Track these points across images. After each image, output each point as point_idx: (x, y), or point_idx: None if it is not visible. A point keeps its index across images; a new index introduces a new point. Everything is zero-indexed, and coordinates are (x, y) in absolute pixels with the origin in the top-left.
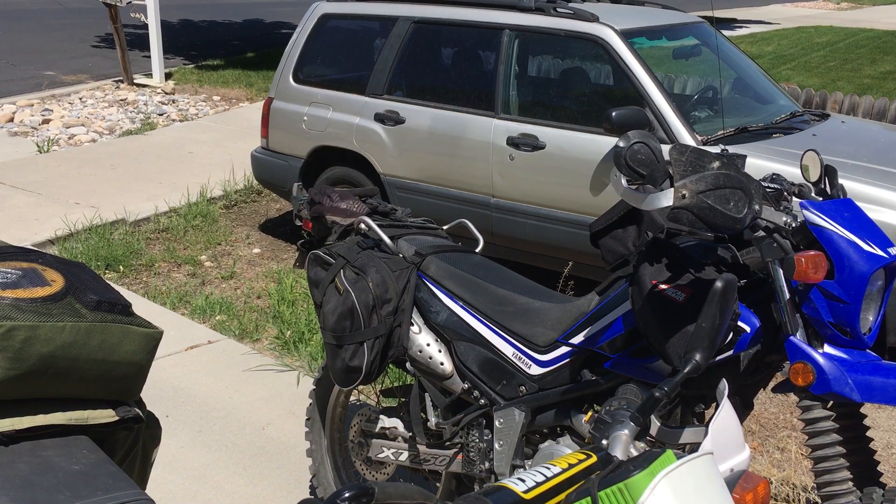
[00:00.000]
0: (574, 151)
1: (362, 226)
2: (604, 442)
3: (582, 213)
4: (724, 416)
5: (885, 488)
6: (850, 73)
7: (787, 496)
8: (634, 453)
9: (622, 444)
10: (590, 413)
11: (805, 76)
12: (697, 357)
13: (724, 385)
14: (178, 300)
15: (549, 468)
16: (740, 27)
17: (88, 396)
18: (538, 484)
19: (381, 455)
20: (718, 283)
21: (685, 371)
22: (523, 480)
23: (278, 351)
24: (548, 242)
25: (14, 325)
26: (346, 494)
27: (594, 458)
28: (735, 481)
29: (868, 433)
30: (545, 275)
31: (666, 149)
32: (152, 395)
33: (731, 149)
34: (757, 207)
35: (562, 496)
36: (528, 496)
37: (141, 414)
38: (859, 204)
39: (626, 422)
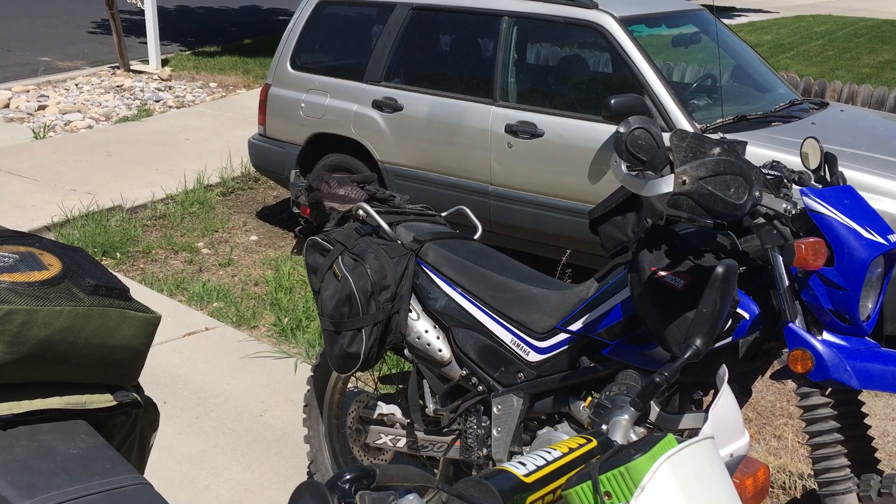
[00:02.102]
0: (572, 139)
1: (360, 212)
2: (604, 427)
3: (580, 200)
4: (724, 401)
5: (882, 475)
6: (848, 62)
7: (784, 483)
8: (634, 438)
9: (622, 429)
10: (589, 399)
11: (804, 65)
12: (698, 342)
13: (724, 371)
14: (175, 287)
15: (549, 452)
16: (739, 15)
17: (86, 381)
18: (539, 468)
19: (378, 441)
20: (719, 269)
21: (686, 356)
22: (524, 464)
23: (276, 338)
24: (546, 230)
25: (11, 308)
26: (348, 476)
27: (594, 443)
28: (735, 466)
29: (871, 422)
30: (543, 262)
31: (667, 135)
32: (150, 381)
33: (731, 137)
34: (757, 194)
35: (562, 480)
36: (528, 479)
37: (139, 399)
38: (861, 194)
39: (626, 407)
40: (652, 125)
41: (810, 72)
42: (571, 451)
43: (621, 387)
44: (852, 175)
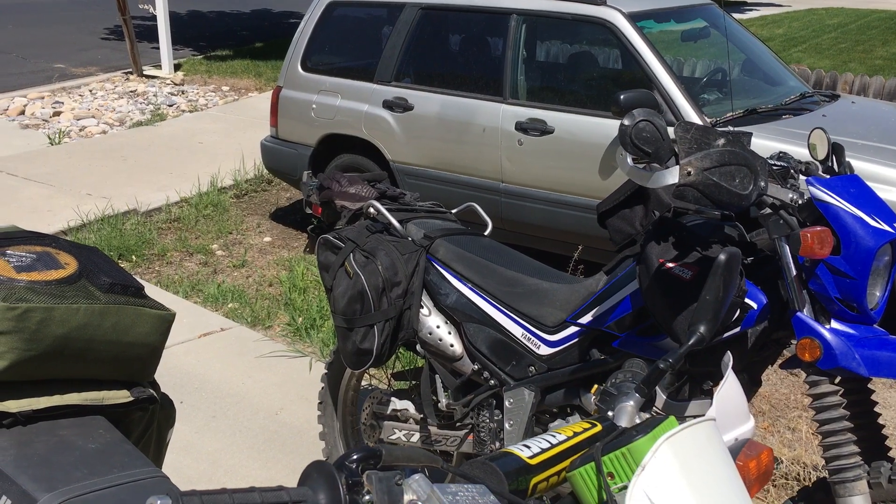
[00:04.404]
0: (582, 135)
1: (371, 210)
2: (609, 413)
3: (591, 196)
4: (729, 386)
5: (892, 462)
6: (861, 55)
7: (798, 475)
8: None
9: (627, 415)
10: (595, 387)
11: (816, 58)
12: (702, 329)
13: (728, 357)
14: (190, 289)
15: (554, 436)
16: (750, 10)
17: (103, 377)
18: (543, 450)
19: (392, 437)
20: (722, 256)
21: (690, 343)
22: (529, 447)
23: (290, 337)
24: (557, 227)
25: (30, 307)
26: (355, 456)
27: (599, 427)
28: (739, 450)
29: (881, 412)
30: (555, 259)
31: (671, 128)
32: (166, 381)
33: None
34: (762, 184)
35: (566, 462)
36: (533, 461)
37: (155, 395)
38: (869, 184)
39: (632, 393)
40: (657, 117)
41: (823, 64)
42: (576, 434)
43: (627, 374)
44: (863, 166)
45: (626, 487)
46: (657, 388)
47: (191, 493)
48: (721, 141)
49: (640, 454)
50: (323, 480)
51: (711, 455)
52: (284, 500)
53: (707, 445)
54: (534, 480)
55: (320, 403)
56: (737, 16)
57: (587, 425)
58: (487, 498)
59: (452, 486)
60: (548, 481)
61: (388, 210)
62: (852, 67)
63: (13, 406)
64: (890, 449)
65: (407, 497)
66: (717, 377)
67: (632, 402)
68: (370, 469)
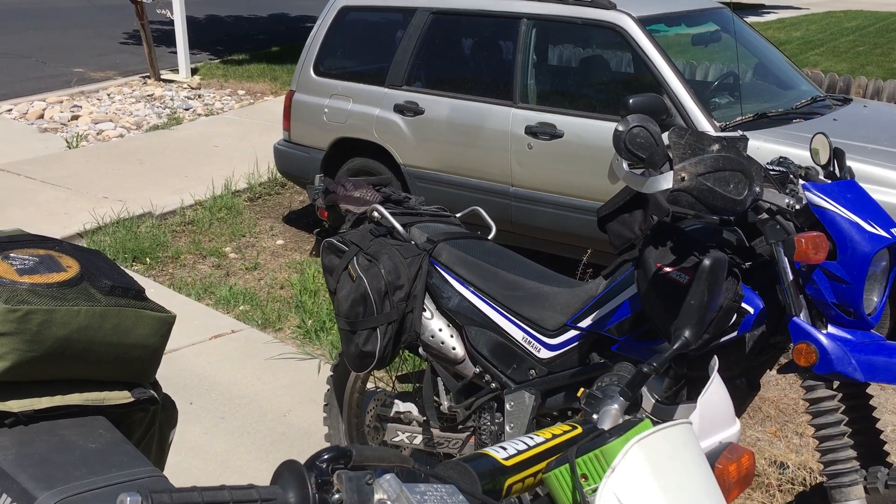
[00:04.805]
0: (592, 139)
1: (375, 214)
2: (594, 416)
3: (600, 200)
4: (714, 389)
5: (889, 467)
6: (879, 58)
7: (804, 480)
8: None
9: (611, 418)
10: (581, 390)
11: (833, 61)
12: (686, 333)
13: (714, 361)
14: (202, 291)
15: (532, 438)
16: (768, 13)
17: (104, 378)
18: (520, 452)
19: (396, 439)
20: (706, 261)
21: (675, 347)
22: (505, 448)
23: (300, 340)
24: (567, 230)
25: (31, 308)
26: (325, 456)
27: (579, 430)
28: (720, 453)
29: (882, 416)
30: (564, 263)
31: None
32: (176, 382)
33: (748, 134)
34: (757, 189)
35: (543, 464)
36: (508, 463)
37: (156, 395)
38: (879, 188)
39: (616, 396)
40: (651, 123)
41: (840, 68)
42: (555, 437)
43: (613, 377)
44: (873, 170)
45: None
46: (646, 391)
47: (161, 491)
48: (716, 146)
49: (612, 456)
50: (293, 479)
51: (685, 458)
52: (254, 499)
53: (681, 448)
54: (508, 481)
55: (326, 405)
56: (754, 19)
57: (567, 427)
58: (456, 498)
59: (422, 485)
60: (523, 482)
61: (392, 214)
62: (869, 71)
63: (15, 406)
64: (888, 454)
65: (377, 496)
66: None
67: (616, 406)
68: (341, 468)
